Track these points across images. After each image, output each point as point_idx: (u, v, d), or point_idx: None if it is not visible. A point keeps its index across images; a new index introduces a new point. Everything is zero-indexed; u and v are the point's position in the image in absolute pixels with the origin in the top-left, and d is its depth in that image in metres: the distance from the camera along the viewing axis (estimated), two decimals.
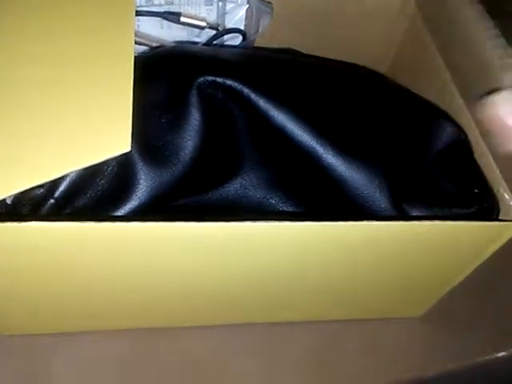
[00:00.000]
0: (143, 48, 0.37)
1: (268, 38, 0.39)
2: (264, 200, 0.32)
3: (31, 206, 0.26)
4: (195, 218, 0.24)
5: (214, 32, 0.38)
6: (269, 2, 0.37)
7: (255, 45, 0.40)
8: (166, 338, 0.34)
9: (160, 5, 0.36)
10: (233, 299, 0.32)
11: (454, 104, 0.33)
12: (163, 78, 0.30)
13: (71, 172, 0.26)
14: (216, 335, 0.35)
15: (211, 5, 0.37)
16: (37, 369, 0.32)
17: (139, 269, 0.27)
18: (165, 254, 0.26)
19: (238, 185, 0.31)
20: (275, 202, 0.31)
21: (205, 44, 0.38)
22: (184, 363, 0.33)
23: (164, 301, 0.31)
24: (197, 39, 0.39)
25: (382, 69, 0.44)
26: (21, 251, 0.24)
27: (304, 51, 0.41)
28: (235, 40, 0.39)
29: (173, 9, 0.36)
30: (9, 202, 0.28)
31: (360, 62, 0.42)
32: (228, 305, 0.33)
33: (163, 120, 0.29)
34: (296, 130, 0.29)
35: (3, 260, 0.25)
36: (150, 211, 0.28)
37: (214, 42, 0.38)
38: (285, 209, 0.31)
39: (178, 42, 0.37)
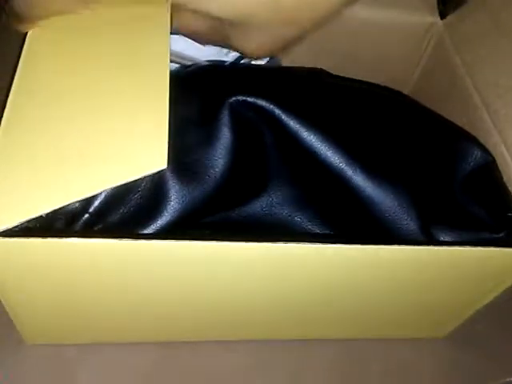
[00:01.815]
0: (175, 66, 0.38)
1: (293, 57, 0.40)
2: (290, 218, 0.32)
3: (65, 220, 0.27)
4: (222, 236, 0.24)
5: None
6: None
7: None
8: (190, 351, 0.34)
9: None
10: (258, 316, 0.32)
11: (484, 127, 0.33)
12: (195, 96, 0.30)
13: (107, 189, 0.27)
14: (241, 350, 0.35)
15: None
16: (60, 380, 0.32)
17: (165, 284, 0.28)
18: (190, 271, 0.26)
19: (265, 202, 0.32)
20: (301, 220, 0.32)
21: (233, 62, 0.39)
22: (208, 377, 0.34)
23: (189, 315, 0.32)
24: (225, 58, 0.39)
25: (406, 88, 0.44)
26: (50, 265, 0.25)
27: (329, 70, 0.41)
28: (262, 59, 0.39)
29: None
30: (43, 214, 0.29)
31: (383, 81, 0.42)
32: (253, 321, 0.33)
33: (195, 138, 0.29)
34: (326, 151, 0.29)
35: (31, 271, 0.25)
36: (179, 228, 0.29)
37: (242, 61, 0.39)
38: (310, 227, 0.32)
39: (209, 61, 0.38)
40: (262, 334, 0.35)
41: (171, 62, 0.38)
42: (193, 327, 0.33)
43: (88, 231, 0.26)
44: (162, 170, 0.26)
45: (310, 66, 0.41)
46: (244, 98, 0.29)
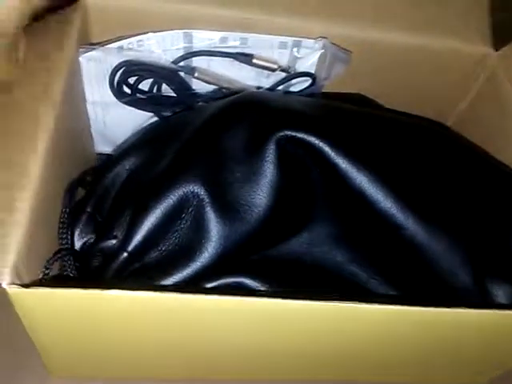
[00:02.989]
0: (212, 87, 0.37)
1: (337, 83, 0.38)
2: (328, 257, 0.30)
3: (102, 258, 0.26)
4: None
5: (282, 74, 0.37)
6: (347, 50, 0.36)
7: None
8: None
9: (234, 46, 0.35)
10: (296, 359, 0.31)
11: None
12: (240, 128, 0.29)
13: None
14: None
15: (285, 48, 0.36)
16: None
17: (200, 334, 0.27)
18: (231, 324, 0.25)
19: (304, 239, 0.30)
20: (340, 259, 0.30)
21: (271, 87, 0.37)
22: None
23: (221, 358, 0.30)
24: (265, 80, 0.38)
25: (449, 120, 0.43)
26: (85, 310, 0.23)
27: (374, 98, 0.40)
28: (303, 83, 0.38)
29: (246, 50, 0.36)
30: (77, 247, 0.27)
31: (427, 110, 0.40)
32: (288, 364, 0.32)
33: (238, 174, 0.28)
34: (376, 194, 0.28)
35: (63, 315, 0.24)
36: (217, 267, 0.27)
37: (281, 86, 0.37)
38: (351, 268, 0.30)
39: (253, 87, 0.36)
40: (299, 376, 0.34)
41: (208, 83, 0.36)
42: (226, 367, 0.32)
43: (126, 283, 0.25)
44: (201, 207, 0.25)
45: (352, 92, 0.40)
46: (292, 134, 0.28)
